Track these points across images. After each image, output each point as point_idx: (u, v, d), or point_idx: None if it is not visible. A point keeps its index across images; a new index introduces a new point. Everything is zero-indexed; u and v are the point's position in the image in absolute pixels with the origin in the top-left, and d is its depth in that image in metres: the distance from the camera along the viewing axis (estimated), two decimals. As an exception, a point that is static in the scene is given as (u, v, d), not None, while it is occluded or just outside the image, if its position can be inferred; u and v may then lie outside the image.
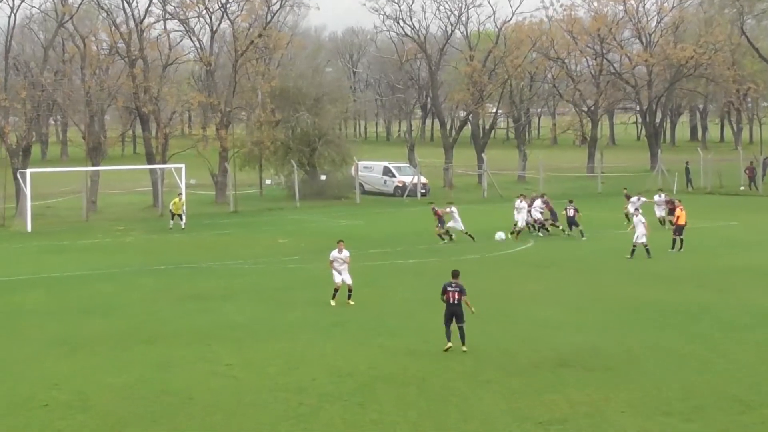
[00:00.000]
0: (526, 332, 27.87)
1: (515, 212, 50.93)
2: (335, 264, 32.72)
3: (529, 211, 50.84)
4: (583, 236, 49.17)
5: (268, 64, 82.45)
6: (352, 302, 32.49)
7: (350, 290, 32.79)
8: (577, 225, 49.54)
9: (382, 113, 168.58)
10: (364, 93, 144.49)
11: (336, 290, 32.64)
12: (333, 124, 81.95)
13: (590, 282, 36.59)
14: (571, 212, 49.56)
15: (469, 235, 48.29)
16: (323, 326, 29.17)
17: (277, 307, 32.44)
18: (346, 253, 32.76)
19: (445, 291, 25.89)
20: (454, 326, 25.75)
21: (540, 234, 50.51)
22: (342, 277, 32.67)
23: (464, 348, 25.56)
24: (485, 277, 37.89)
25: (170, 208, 57.84)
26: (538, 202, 51.23)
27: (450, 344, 25.62)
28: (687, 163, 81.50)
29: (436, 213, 48.46)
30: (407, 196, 76.47)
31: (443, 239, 48.08)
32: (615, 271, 38.75)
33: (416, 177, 77.35)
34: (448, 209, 48.88)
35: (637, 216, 43.46)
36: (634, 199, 53.22)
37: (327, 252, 34.24)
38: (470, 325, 28.53)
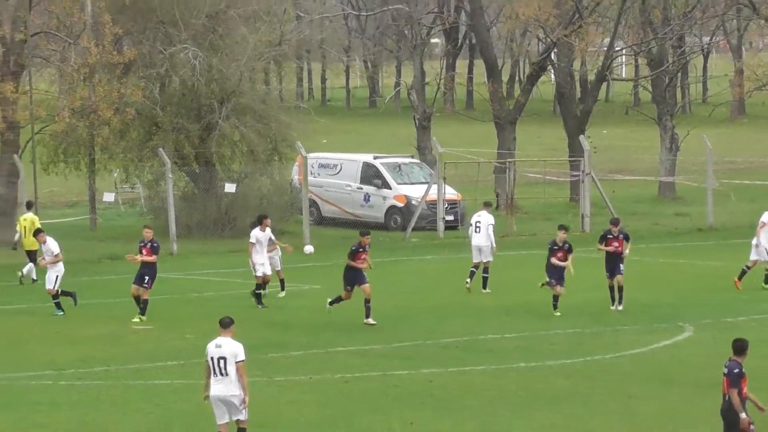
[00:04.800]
0: None
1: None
2: (257, 248, 48.35)
3: None
4: None
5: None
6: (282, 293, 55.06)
7: (281, 280, 54.83)
8: None
9: (360, 48, 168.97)
10: (321, 3, 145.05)
11: (260, 285, 52.80)
12: (252, 72, 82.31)
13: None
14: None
15: None
16: None
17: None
18: (269, 233, 48.71)
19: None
20: None
21: None
22: (264, 266, 49.96)
23: None
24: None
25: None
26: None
27: None
28: None
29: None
30: (414, 229, 76.54)
31: None
32: None
33: (435, 187, 77.45)
34: None
35: None
36: None
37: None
38: None
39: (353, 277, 50.94)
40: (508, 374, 43.70)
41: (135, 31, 79.67)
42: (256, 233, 53.73)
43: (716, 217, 77.87)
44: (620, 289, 52.47)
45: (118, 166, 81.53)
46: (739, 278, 57.45)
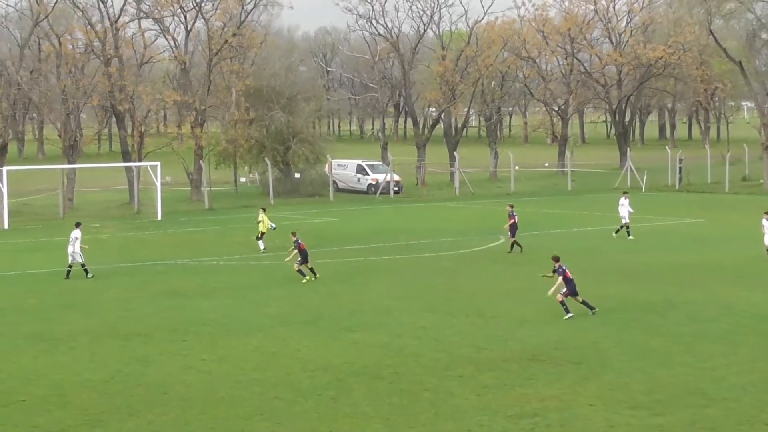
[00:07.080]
0: (498, 328, 27.98)
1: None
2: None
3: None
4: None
5: (243, 63, 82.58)
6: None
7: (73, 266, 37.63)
8: None
9: (355, 112, 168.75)
10: (338, 92, 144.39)
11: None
12: (307, 123, 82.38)
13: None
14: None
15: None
16: (298, 322, 29.26)
17: (252, 303, 32.53)
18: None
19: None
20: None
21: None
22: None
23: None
24: (461, 274, 38.13)
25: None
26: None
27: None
28: (680, 160, 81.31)
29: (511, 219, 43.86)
30: (380, 193, 76.81)
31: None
32: (585, 269, 36.60)
33: (389, 175, 77.75)
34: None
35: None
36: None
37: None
38: (443, 321, 28.83)
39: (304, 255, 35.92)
40: (420, 259, 42.66)
41: (255, 104, 79.53)
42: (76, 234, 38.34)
43: (515, 188, 77.86)
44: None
45: (247, 165, 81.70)
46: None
